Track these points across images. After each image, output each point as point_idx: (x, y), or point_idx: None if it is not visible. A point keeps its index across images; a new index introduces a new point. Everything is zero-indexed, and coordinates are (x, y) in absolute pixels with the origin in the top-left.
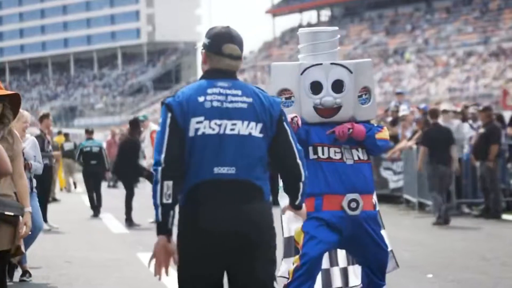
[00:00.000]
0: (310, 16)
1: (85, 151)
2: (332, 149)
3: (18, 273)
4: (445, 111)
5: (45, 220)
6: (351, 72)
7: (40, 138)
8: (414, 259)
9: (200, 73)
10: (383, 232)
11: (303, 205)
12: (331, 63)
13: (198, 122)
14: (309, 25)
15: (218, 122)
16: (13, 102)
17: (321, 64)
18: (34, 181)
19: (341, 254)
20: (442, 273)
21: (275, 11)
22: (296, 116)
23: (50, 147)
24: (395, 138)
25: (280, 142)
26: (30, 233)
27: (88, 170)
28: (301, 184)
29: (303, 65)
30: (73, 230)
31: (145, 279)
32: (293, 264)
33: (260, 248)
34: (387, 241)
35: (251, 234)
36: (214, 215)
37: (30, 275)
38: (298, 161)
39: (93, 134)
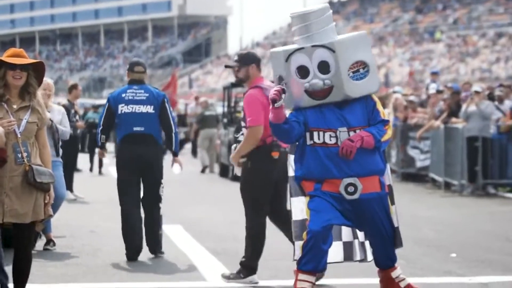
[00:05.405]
0: None
1: (90, 122)
2: (327, 134)
3: (42, 241)
4: (477, 92)
5: (71, 190)
6: (333, 51)
7: (67, 109)
8: (438, 238)
9: (230, 47)
10: (393, 208)
11: (178, 154)
12: (312, 46)
13: (121, 106)
14: (340, 2)
15: (131, 106)
16: (37, 71)
17: (302, 48)
18: (60, 150)
19: None
20: (466, 253)
21: None
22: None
23: (77, 117)
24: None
25: (162, 114)
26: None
27: (92, 138)
28: (173, 135)
29: (286, 52)
30: (98, 201)
31: (169, 250)
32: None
33: (154, 166)
34: (395, 218)
35: (149, 159)
36: (133, 149)
37: (54, 244)
38: (171, 122)
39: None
